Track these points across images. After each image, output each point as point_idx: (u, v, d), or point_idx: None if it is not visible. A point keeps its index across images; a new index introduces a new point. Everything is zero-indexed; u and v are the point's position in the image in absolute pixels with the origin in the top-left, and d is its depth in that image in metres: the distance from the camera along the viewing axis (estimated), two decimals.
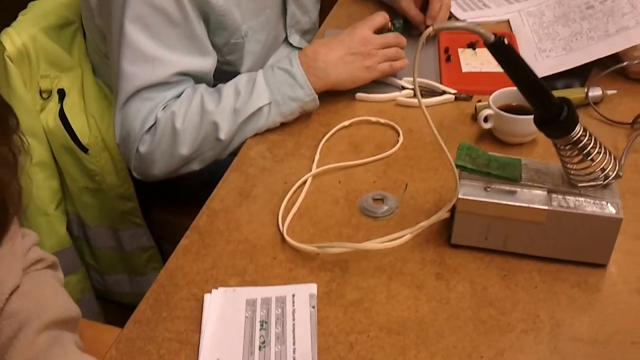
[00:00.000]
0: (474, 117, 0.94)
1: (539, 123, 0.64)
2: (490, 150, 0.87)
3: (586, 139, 0.64)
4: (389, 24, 1.12)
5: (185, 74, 0.93)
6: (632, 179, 0.82)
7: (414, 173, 0.85)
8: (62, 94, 1.09)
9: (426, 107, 0.97)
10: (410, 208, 0.79)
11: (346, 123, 0.94)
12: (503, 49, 0.58)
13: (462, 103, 0.98)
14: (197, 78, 0.95)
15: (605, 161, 0.66)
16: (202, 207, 0.82)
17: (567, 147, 0.64)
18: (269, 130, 0.94)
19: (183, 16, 0.89)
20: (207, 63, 0.96)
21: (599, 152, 0.65)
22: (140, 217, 1.15)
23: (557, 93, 0.94)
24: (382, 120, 0.95)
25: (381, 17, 1.02)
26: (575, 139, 0.63)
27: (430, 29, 0.63)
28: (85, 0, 1.03)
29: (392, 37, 1.02)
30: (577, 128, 0.63)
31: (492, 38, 0.58)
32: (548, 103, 0.62)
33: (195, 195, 0.97)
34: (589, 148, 0.64)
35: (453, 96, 0.99)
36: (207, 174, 0.96)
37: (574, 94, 0.95)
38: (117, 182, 1.10)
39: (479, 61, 1.07)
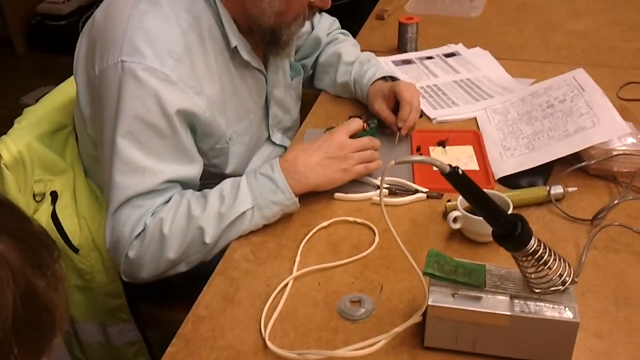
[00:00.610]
0: (445, 215, 1.00)
1: (497, 238, 0.70)
2: (460, 247, 0.94)
3: (541, 249, 0.70)
4: (364, 124, 1.20)
5: (173, 181, 0.99)
6: (592, 275, 0.88)
7: (389, 274, 0.90)
8: (54, 196, 1.15)
9: (400, 205, 1.04)
10: (386, 310, 0.84)
11: (325, 223, 1.00)
12: (458, 178, 0.65)
13: (434, 201, 1.04)
14: (184, 184, 1.01)
15: (561, 268, 0.72)
16: (186, 301, 0.86)
17: (525, 259, 0.70)
18: (252, 232, 0.99)
19: (171, 129, 0.96)
20: (194, 170, 1.02)
21: (554, 260, 0.71)
22: (128, 313, 1.19)
23: (521, 191, 1.02)
24: (358, 220, 1.01)
25: (356, 123, 1.10)
26: (531, 250, 0.69)
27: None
28: (78, 108, 1.10)
29: (366, 140, 1.09)
30: (532, 241, 0.69)
31: (447, 169, 0.64)
32: (503, 221, 0.68)
33: (180, 290, 1.01)
34: (544, 258, 0.70)
35: (425, 195, 1.05)
36: (193, 269, 1.01)
37: (537, 192, 1.01)
38: (106, 280, 1.14)
39: (448, 159, 1.15)
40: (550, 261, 0.71)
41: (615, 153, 1.05)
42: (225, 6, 1.04)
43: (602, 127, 1.06)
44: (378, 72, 1.29)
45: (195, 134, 1.03)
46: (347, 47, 1.39)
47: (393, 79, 1.29)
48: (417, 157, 0.73)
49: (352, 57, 1.35)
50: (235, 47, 1.06)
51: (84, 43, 1.05)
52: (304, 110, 1.39)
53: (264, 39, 1.07)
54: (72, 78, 1.18)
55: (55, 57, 3.51)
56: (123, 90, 0.93)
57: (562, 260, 0.72)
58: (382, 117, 1.22)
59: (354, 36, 1.67)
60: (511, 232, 0.68)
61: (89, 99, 1.04)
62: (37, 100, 2.94)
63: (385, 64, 1.47)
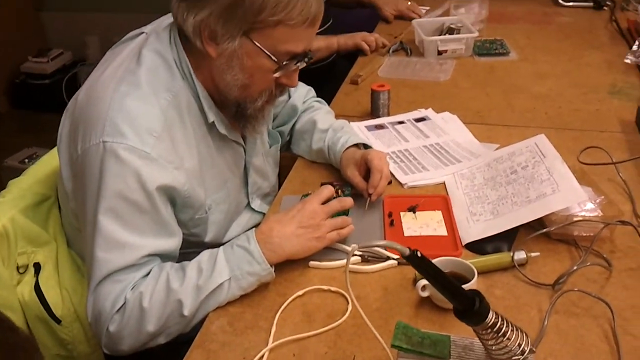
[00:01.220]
0: (415, 282, 1.04)
1: (457, 313, 0.74)
2: (429, 315, 0.98)
3: (499, 322, 0.74)
4: (339, 191, 1.26)
5: (153, 255, 1.02)
6: (554, 340, 0.92)
7: (362, 343, 0.94)
8: (37, 267, 1.17)
9: (372, 272, 1.09)
10: None
11: (300, 292, 1.04)
12: (417, 260, 0.70)
13: (405, 267, 1.09)
14: (164, 257, 1.05)
15: (519, 338, 0.76)
16: None
17: (484, 332, 0.74)
18: (230, 302, 1.03)
19: (151, 205, 1.01)
20: (173, 243, 1.06)
21: (512, 331, 0.76)
22: None
23: (486, 258, 1.06)
24: (332, 289, 1.05)
25: (327, 191, 1.15)
26: (489, 324, 0.74)
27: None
28: (61, 182, 1.14)
29: (336, 204, 1.14)
30: (490, 315, 0.73)
31: (407, 252, 0.69)
32: (462, 298, 0.73)
33: (162, 358, 1.04)
34: (503, 329, 0.75)
35: (396, 262, 1.10)
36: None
37: (501, 258, 1.07)
38: (88, 350, 1.16)
39: (418, 224, 1.20)
40: (509, 332, 0.75)
41: (575, 219, 1.11)
42: (201, 82, 1.10)
43: (562, 194, 1.12)
44: (350, 139, 1.35)
45: (175, 206, 1.08)
46: (322, 114, 1.45)
47: (365, 146, 1.36)
48: (379, 242, 0.78)
49: (326, 125, 1.41)
50: (213, 122, 1.12)
51: (67, 122, 1.10)
52: (283, 173, 1.45)
53: (231, 111, 1.12)
54: (55, 150, 1.22)
55: (38, 116, 3.56)
56: (105, 169, 0.98)
57: (519, 331, 0.76)
58: (354, 183, 1.27)
59: (330, 100, 1.75)
60: (470, 308, 0.73)
61: (71, 175, 1.08)
62: (20, 162, 2.97)
63: (359, 130, 1.54)
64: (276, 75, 1.07)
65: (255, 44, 1.02)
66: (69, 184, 1.10)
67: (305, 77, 1.98)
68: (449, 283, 0.72)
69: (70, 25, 3.95)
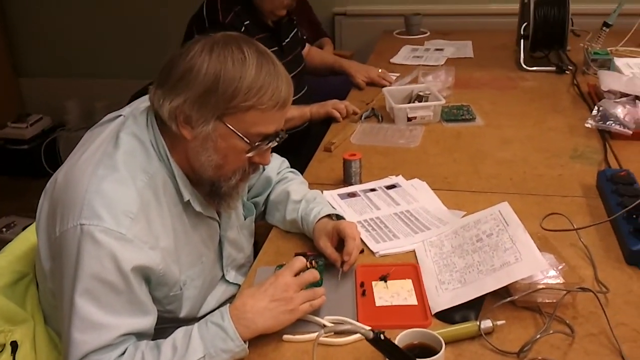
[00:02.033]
0: None
1: None
2: None
3: None
4: (313, 262, 1.29)
5: (128, 334, 1.04)
6: None
7: None
8: (14, 346, 1.18)
9: (344, 344, 1.11)
10: None
11: None
12: (381, 343, 0.73)
13: None
14: (139, 335, 1.07)
15: None
16: None
17: None
18: None
19: (127, 285, 1.03)
20: (148, 321, 1.08)
21: None
22: None
23: (454, 328, 1.10)
24: None
25: (299, 262, 1.19)
26: None
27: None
28: (39, 261, 1.16)
29: (308, 275, 1.18)
30: None
31: (370, 335, 0.73)
32: None
33: None
34: None
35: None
36: None
37: (468, 327, 1.10)
38: None
39: (389, 294, 1.23)
40: None
41: (538, 286, 1.16)
42: (177, 162, 1.14)
43: (524, 263, 1.17)
44: (323, 210, 1.40)
45: (150, 284, 1.11)
46: (296, 185, 1.50)
47: (337, 216, 1.40)
48: (345, 327, 0.82)
49: (299, 196, 1.45)
50: (188, 200, 1.16)
51: (46, 203, 1.13)
52: (260, 241, 1.48)
53: (205, 189, 1.17)
54: (33, 226, 1.25)
55: (17, 181, 3.57)
56: (81, 251, 1.01)
57: None
58: (326, 254, 1.31)
59: (305, 165, 1.80)
60: None
61: (49, 256, 1.11)
62: None
63: (332, 198, 1.59)
64: (249, 155, 1.13)
65: (228, 127, 1.08)
66: (47, 264, 1.12)
67: (284, 141, 2.05)
68: None
69: (49, 90, 4.02)
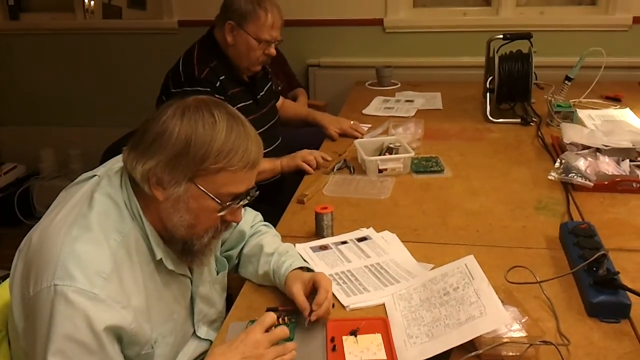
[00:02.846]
0: None
1: None
2: None
3: None
4: (285, 317, 1.31)
5: None
6: None
7: None
8: None
9: None
10: None
11: None
12: None
13: None
14: None
15: None
16: None
17: None
18: None
19: (99, 345, 1.05)
20: None
21: None
22: None
23: None
24: None
25: (269, 318, 1.21)
26: None
27: None
28: (12, 319, 1.17)
29: (279, 332, 1.20)
30: None
31: None
32: None
33: None
34: None
35: None
36: None
37: None
38: None
39: (359, 349, 1.26)
40: None
41: (503, 340, 1.19)
42: (150, 222, 1.17)
43: (488, 317, 1.21)
44: (294, 263, 1.42)
45: (122, 343, 1.12)
46: (269, 238, 1.53)
47: (309, 269, 1.43)
48: None
49: (271, 249, 1.48)
50: (161, 258, 1.19)
51: (20, 263, 1.15)
52: (235, 293, 1.50)
53: (177, 248, 1.20)
54: (6, 283, 1.26)
55: None
56: (55, 312, 1.03)
57: None
58: (298, 300, 1.31)
59: (279, 216, 1.84)
60: None
61: (23, 315, 1.12)
62: None
63: (304, 251, 1.62)
64: (220, 214, 1.16)
65: (199, 188, 1.12)
66: (20, 323, 1.13)
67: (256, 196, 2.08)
68: None
69: (23, 139, 4.02)
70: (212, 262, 1.39)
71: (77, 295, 1.04)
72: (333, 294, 1.40)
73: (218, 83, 2.20)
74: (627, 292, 1.33)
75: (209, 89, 2.16)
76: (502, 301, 1.29)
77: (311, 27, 3.63)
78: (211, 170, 1.11)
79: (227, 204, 1.15)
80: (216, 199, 1.14)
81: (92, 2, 3.88)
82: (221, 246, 1.50)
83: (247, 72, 2.32)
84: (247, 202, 1.20)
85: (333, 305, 1.38)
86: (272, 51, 2.27)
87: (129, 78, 3.86)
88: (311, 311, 1.30)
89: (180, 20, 3.73)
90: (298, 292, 1.34)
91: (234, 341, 1.15)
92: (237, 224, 1.50)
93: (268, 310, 1.31)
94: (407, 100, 2.99)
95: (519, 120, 2.62)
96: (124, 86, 3.89)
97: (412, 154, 2.14)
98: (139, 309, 1.13)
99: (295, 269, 1.42)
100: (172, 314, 1.25)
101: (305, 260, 1.50)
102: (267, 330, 1.19)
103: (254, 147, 1.15)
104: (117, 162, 1.22)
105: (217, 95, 2.17)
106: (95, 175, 1.22)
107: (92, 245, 1.09)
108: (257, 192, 1.23)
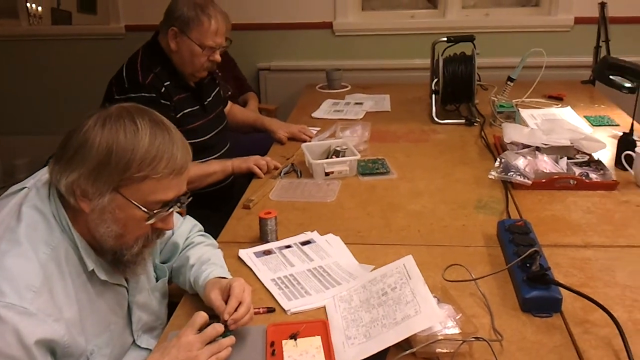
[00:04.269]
0: None
1: None
2: None
3: None
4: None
5: None
6: None
7: None
8: None
9: None
10: None
11: None
12: None
13: None
14: None
15: None
16: None
17: None
18: None
19: (29, 357, 1.03)
20: None
21: None
22: None
23: None
24: None
25: (200, 318, 1.21)
26: None
27: None
28: None
29: (211, 330, 1.20)
30: None
31: None
32: None
33: None
34: None
35: None
36: None
37: None
38: None
39: (298, 352, 1.27)
40: None
41: (437, 337, 1.22)
42: (79, 233, 1.16)
43: (423, 315, 1.23)
44: (213, 272, 1.40)
45: (55, 356, 1.11)
46: (198, 249, 1.51)
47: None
48: None
49: (194, 260, 1.46)
50: (93, 269, 1.18)
51: None
52: (177, 302, 1.49)
53: (108, 258, 1.19)
54: None
55: None
56: None
57: None
58: (215, 306, 1.29)
59: (223, 225, 1.84)
60: None
61: None
62: None
63: (248, 257, 1.63)
64: (149, 222, 1.16)
65: (125, 197, 1.11)
66: None
67: (205, 199, 2.08)
68: None
69: None
70: (150, 269, 1.38)
71: (6, 310, 1.02)
72: (275, 299, 1.41)
73: (163, 89, 2.19)
74: (559, 287, 1.38)
75: (154, 95, 2.15)
76: (437, 299, 1.33)
77: (262, 30, 3.64)
78: (135, 179, 1.10)
79: (155, 212, 1.15)
80: (143, 208, 1.13)
81: (40, 8, 3.81)
82: (160, 254, 1.49)
83: (192, 78, 2.31)
84: (177, 209, 1.20)
85: (274, 310, 1.39)
86: (217, 57, 2.27)
87: (77, 84, 3.81)
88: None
89: (127, 25, 3.70)
90: (215, 298, 1.31)
91: (166, 347, 1.15)
92: (174, 231, 1.50)
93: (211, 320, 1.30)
94: (357, 103, 3.03)
95: (463, 120, 2.67)
96: (72, 92, 3.83)
97: (359, 156, 2.17)
98: (71, 321, 1.12)
99: (214, 278, 1.39)
100: (109, 325, 1.24)
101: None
102: (200, 331, 1.19)
103: (180, 154, 1.15)
104: (45, 173, 1.21)
105: (162, 101, 2.16)
106: (24, 188, 1.20)
107: (21, 259, 1.08)
108: (190, 199, 1.23)
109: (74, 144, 1.11)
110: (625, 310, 1.37)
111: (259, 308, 1.41)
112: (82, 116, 1.17)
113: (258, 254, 1.65)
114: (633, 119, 2.18)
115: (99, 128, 1.11)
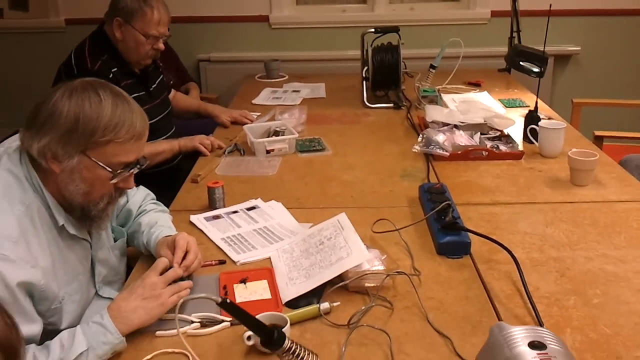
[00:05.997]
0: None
1: (262, 343, 1.01)
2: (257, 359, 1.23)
3: (294, 346, 1.02)
4: None
5: None
6: None
7: None
8: None
9: (209, 334, 1.32)
10: None
11: (149, 356, 1.25)
12: (228, 305, 0.96)
13: (236, 327, 1.34)
14: (28, 341, 1.21)
15: (311, 357, 1.04)
16: None
17: (284, 355, 1.02)
18: None
19: (13, 298, 1.19)
20: (36, 328, 1.24)
21: (305, 353, 1.04)
22: None
23: (300, 311, 1.35)
24: (176, 350, 1.27)
25: (162, 262, 1.39)
26: (286, 348, 1.01)
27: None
28: None
29: (172, 273, 1.38)
30: (286, 342, 1.01)
31: (219, 300, 0.96)
32: (264, 331, 1.00)
33: None
34: (297, 352, 1.02)
35: (229, 323, 1.34)
36: None
37: (310, 310, 1.35)
38: None
39: (248, 292, 1.46)
40: (302, 354, 1.03)
41: (365, 272, 1.44)
42: (50, 193, 1.32)
43: (354, 256, 1.45)
44: (162, 233, 1.58)
45: (33, 299, 1.26)
46: (150, 215, 1.67)
47: None
48: (197, 295, 1.04)
49: (145, 225, 1.62)
50: (63, 224, 1.33)
51: None
52: (134, 264, 1.65)
53: (76, 214, 1.35)
54: None
55: None
56: None
57: (312, 353, 1.05)
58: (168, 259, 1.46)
59: (173, 197, 2.00)
60: (271, 338, 1.00)
61: None
62: None
63: (199, 221, 1.80)
64: (113, 181, 1.33)
65: (91, 159, 1.28)
66: None
67: (155, 178, 2.23)
68: (253, 321, 0.99)
69: None
70: (109, 229, 1.54)
71: None
72: (225, 253, 1.60)
73: (111, 75, 2.33)
74: (468, 233, 1.62)
75: (102, 81, 2.28)
76: (367, 246, 1.55)
77: (200, 23, 3.79)
78: (100, 143, 1.27)
79: (118, 172, 1.32)
80: (107, 168, 1.30)
81: None
82: (116, 218, 1.64)
83: (137, 65, 2.45)
84: (137, 170, 1.37)
85: (224, 262, 1.58)
86: (161, 46, 2.42)
87: (15, 78, 3.85)
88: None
89: (67, 19, 3.77)
90: (165, 253, 1.48)
91: (133, 287, 1.33)
92: (129, 198, 1.65)
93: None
94: (294, 91, 3.23)
95: (391, 105, 2.92)
96: (10, 86, 3.86)
97: (296, 135, 2.37)
98: (46, 269, 1.28)
99: (163, 237, 1.56)
100: (77, 275, 1.40)
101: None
102: (161, 274, 1.37)
103: (139, 121, 1.32)
104: (13, 141, 1.35)
105: None
106: None
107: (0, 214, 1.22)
108: (147, 162, 1.40)
109: (44, 113, 1.26)
110: (525, 251, 1.63)
111: (211, 261, 1.60)
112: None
113: (208, 219, 1.83)
114: (537, 97, 2.46)
115: (66, 99, 1.27)
